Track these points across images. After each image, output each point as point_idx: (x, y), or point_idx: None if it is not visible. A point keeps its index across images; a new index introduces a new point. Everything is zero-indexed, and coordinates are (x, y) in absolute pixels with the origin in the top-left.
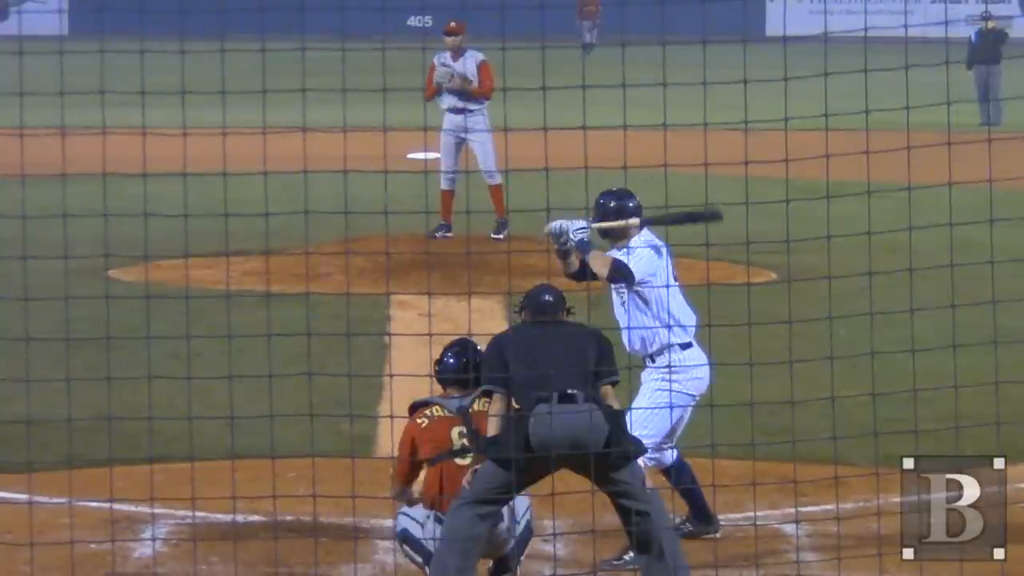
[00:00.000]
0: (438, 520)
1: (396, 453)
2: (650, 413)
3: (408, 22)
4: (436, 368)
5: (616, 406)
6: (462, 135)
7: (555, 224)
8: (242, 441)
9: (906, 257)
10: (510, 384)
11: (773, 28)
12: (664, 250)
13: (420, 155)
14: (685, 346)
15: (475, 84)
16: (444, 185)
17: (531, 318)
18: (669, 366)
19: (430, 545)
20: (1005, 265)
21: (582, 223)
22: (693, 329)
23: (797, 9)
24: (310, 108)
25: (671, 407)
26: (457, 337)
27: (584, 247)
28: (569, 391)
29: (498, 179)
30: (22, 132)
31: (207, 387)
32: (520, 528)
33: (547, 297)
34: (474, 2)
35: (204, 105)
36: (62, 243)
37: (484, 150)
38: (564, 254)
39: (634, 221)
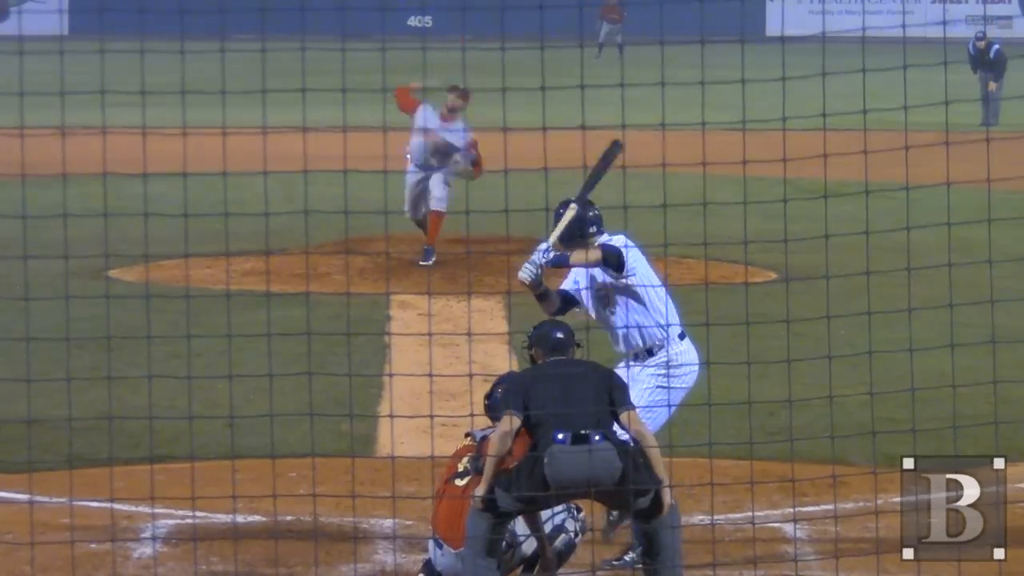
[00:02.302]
0: (436, 543)
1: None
2: (648, 411)
3: (408, 22)
4: (486, 402)
5: (643, 430)
6: (421, 187)
7: (525, 273)
8: (242, 441)
9: (905, 257)
10: (527, 421)
11: (773, 28)
12: (642, 250)
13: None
14: (681, 336)
15: (460, 160)
16: (413, 215)
17: (544, 356)
18: (668, 362)
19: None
20: (1003, 265)
21: (542, 244)
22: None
23: (797, 9)
24: (310, 108)
25: (669, 405)
26: (507, 372)
27: (561, 261)
28: (583, 432)
29: (443, 207)
30: (22, 132)
31: (207, 387)
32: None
33: (559, 334)
34: (474, 2)
35: (204, 105)
36: (62, 243)
37: (437, 181)
38: (543, 296)
39: (570, 213)
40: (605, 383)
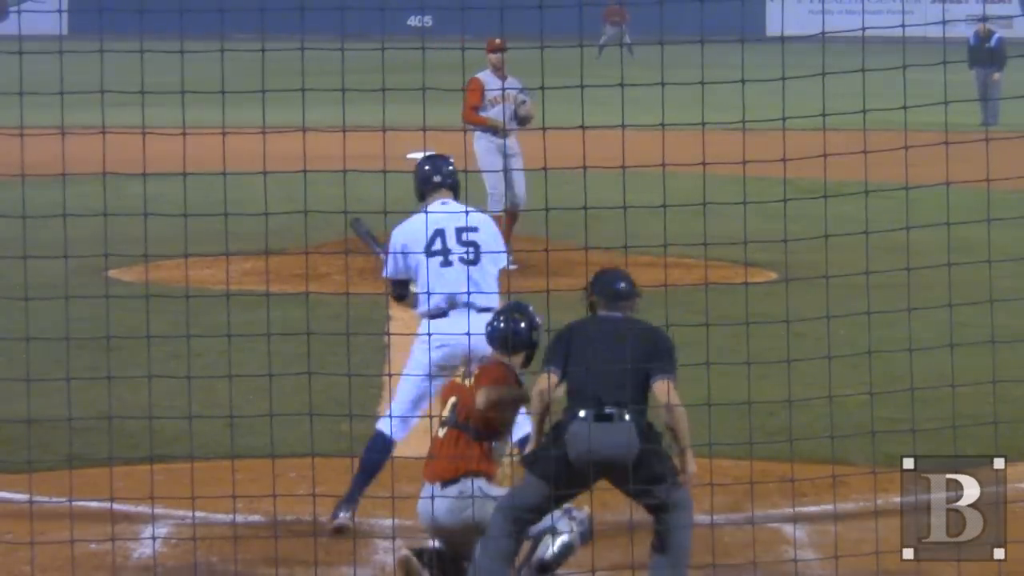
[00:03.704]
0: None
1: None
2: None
3: (408, 22)
4: (487, 329)
5: (672, 400)
6: (503, 152)
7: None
8: (242, 441)
9: (904, 257)
10: (564, 369)
11: (773, 28)
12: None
13: (419, 155)
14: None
15: (530, 109)
16: (498, 207)
17: (603, 306)
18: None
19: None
20: (1003, 265)
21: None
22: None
23: (797, 9)
24: (310, 108)
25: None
26: (512, 301)
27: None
28: (607, 410)
29: (523, 205)
30: (22, 132)
31: (207, 387)
32: (564, 538)
33: (621, 285)
34: (474, 1)
35: (204, 105)
36: (62, 243)
37: (521, 176)
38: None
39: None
40: (648, 349)
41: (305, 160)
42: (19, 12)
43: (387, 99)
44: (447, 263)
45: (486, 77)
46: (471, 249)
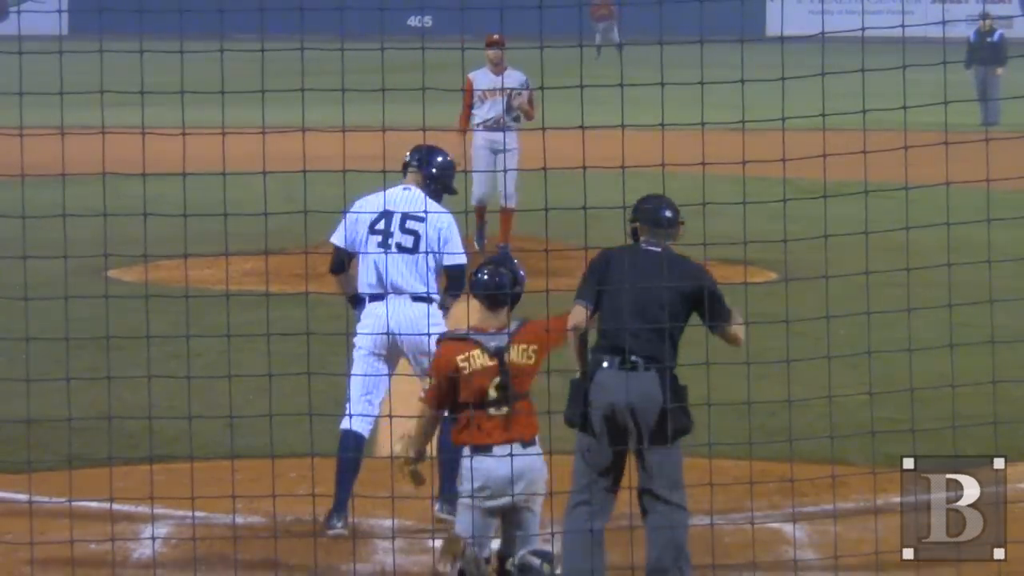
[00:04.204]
0: (476, 450)
1: (431, 376)
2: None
3: (408, 22)
4: (472, 279)
5: (734, 329)
6: (498, 148)
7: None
8: (242, 441)
9: (904, 257)
10: (596, 302)
11: (773, 28)
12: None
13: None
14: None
15: (525, 102)
16: (473, 201)
17: (647, 233)
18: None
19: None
20: (1003, 265)
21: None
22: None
23: (797, 9)
24: (310, 108)
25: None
26: (495, 255)
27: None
28: (632, 358)
29: (514, 203)
30: (22, 132)
31: (207, 387)
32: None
33: (666, 212)
34: (474, 1)
35: (204, 105)
36: (62, 243)
37: (512, 174)
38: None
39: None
40: (689, 292)
41: (305, 160)
42: (19, 12)
43: (387, 99)
44: (384, 245)
45: (478, 75)
46: (411, 238)
